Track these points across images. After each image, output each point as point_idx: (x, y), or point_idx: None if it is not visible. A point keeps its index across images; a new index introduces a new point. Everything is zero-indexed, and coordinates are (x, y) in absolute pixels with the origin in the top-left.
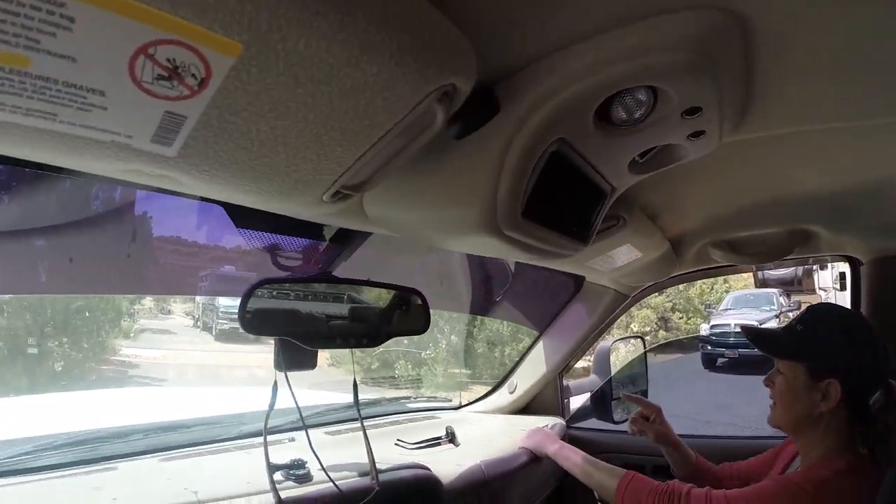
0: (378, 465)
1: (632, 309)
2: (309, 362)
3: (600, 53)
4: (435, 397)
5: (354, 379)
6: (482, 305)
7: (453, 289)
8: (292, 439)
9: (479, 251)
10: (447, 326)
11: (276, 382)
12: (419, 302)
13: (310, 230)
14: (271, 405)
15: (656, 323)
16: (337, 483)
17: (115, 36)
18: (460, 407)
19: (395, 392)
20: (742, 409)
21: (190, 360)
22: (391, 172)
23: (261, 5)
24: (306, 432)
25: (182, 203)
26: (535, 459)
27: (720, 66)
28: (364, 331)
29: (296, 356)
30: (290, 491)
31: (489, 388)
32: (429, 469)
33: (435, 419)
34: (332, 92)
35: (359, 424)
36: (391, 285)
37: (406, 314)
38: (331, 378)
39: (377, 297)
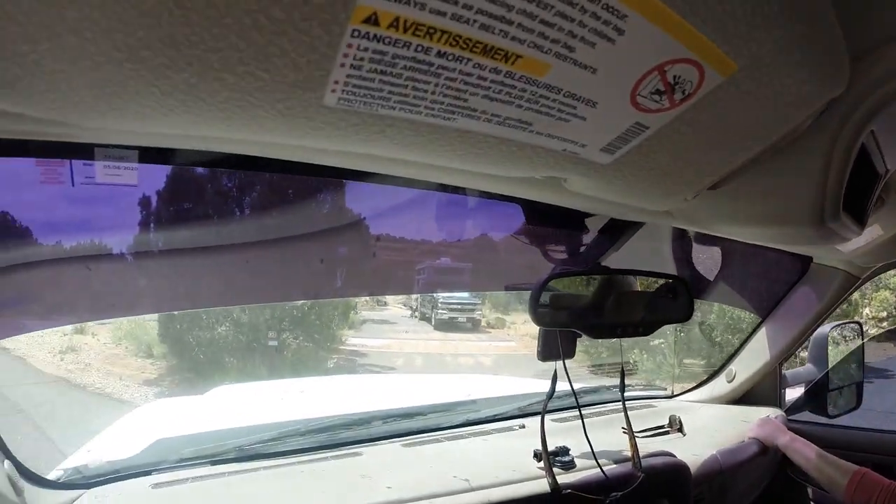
0: (625, 453)
1: (866, 290)
2: (570, 351)
3: None
4: (651, 385)
5: (622, 366)
6: (699, 288)
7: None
8: (523, 426)
9: (782, 243)
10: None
11: (556, 371)
12: (683, 289)
13: (577, 223)
14: (550, 393)
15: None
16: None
17: (647, 51)
18: (673, 396)
19: (608, 380)
20: None
21: (414, 349)
22: (745, 170)
23: (769, 32)
24: (581, 418)
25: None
26: (763, 451)
27: None
28: (638, 319)
29: (558, 345)
30: (558, 477)
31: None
32: (676, 456)
33: (651, 408)
34: (777, 107)
35: (589, 411)
36: (658, 273)
37: (672, 302)
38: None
39: (643, 287)
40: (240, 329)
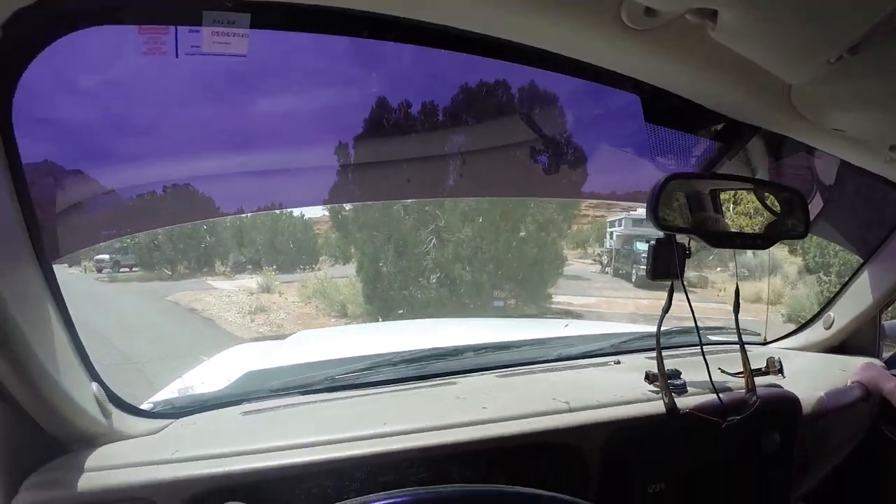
0: (729, 384)
1: None
2: (675, 270)
3: None
4: (744, 331)
5: (737, 283)
6: None
7: None
8: (618, 362)
9: None
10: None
11: (672, 286)
12: (801, 204)
13: (694, 125)
14: (666, 308)
15: None
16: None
17: None
18: (766, 342)
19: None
20: None
21: (624, 308)
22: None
23: None
24: (702, 350)
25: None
26: (866, 396)
27: None
28: (757, 231)
29: (668, 265)
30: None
31: None
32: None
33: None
34: None
35: (684, 351)
36: (776, 184)
37: (789, 216)
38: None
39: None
40: (457, 287)
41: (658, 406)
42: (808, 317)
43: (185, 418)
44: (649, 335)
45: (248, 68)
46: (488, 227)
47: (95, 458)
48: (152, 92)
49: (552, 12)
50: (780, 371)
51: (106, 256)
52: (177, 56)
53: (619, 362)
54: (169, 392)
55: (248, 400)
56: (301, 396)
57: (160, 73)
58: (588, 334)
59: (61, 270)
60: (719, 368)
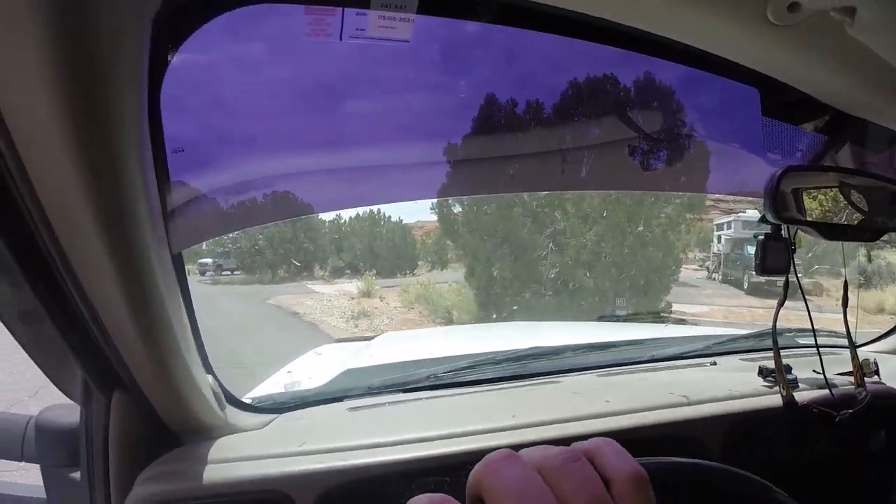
0: (835, 381)
1: None
2: (787, 264)
3: None
4: (834, 333)
5: (845, 275)
6: None
7: None
8: (714, 363)
9: None
10: None
11: (787, 280)
12: None
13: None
14: (781, 301)
15: None
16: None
17: None
18: (856, 346)
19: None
20: None
21: (740, 318)
22: None
23: None
24: (817, 345)
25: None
26: None
27: None
28: (867, 224)
29: (778, 259)
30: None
31: None
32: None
33: (835, 355)
34: None
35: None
36: (883, 177)
37: (893, 209)
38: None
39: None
40: (577, 294)
41: (772, 400)
42: None
43: (287, 413)
44: (743, 337)
45: (363, 66)
46: (612, 230)
47: (215, 450)
48: (272, 86)
49: (698, 5)
50: (877, 373)
51: (209, 260)
52: (340, 39)
53: (714, 363)
54: (263, 389)
55: (349, 397)
56: (404, 394)
57: (283, 67)
58: (682, 336)
59: None
60: (813, 370)
